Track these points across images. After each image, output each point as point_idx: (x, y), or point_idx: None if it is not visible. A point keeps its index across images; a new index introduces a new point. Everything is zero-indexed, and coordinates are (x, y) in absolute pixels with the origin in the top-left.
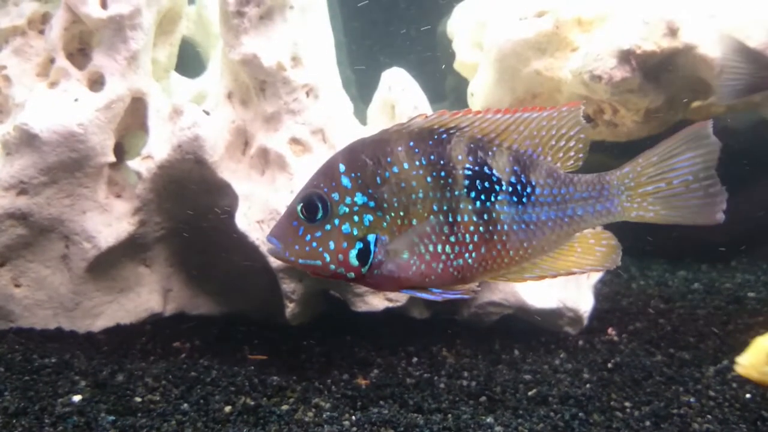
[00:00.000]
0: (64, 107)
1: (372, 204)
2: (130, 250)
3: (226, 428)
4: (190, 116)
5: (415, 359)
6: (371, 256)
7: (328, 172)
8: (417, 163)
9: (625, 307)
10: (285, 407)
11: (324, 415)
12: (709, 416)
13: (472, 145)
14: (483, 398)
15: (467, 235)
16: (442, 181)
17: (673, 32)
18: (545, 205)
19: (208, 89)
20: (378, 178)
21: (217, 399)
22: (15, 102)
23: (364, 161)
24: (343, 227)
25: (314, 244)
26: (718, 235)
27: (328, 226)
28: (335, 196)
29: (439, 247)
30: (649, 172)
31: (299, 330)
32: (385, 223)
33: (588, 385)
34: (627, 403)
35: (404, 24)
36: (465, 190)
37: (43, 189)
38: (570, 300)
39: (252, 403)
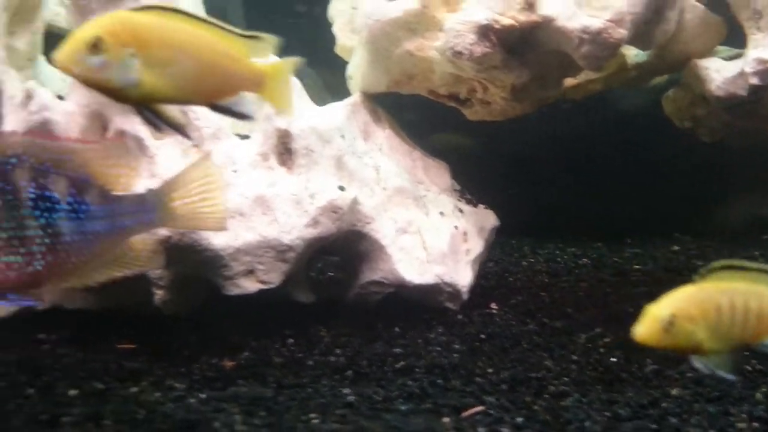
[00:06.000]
0: None
1: None
2: None
3: (67, 408)
4: (39, 100)
5: (291, 341)
6: None
7: None
8: None
9: (510, 282)
10: (134, 389)
11: (172, 395)
12: (565, 379)
13: (34, 174)
14: (349, 372)
15: (35, 247)
16: (9, 204)
17: (530, 6)
18: (100, 219)
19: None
20: None
21: (61, 385)
22: None
23: None
24: None
25: None
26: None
27: None
28: None
29: (11, 258)
30: (176, 190)
31: (175, 319)
32: None
33: (456, 355)
34: (489, 370)
35: (297, 14)
36: (30, 209)
37: None
38: (448, 275)
39: (101, 386)
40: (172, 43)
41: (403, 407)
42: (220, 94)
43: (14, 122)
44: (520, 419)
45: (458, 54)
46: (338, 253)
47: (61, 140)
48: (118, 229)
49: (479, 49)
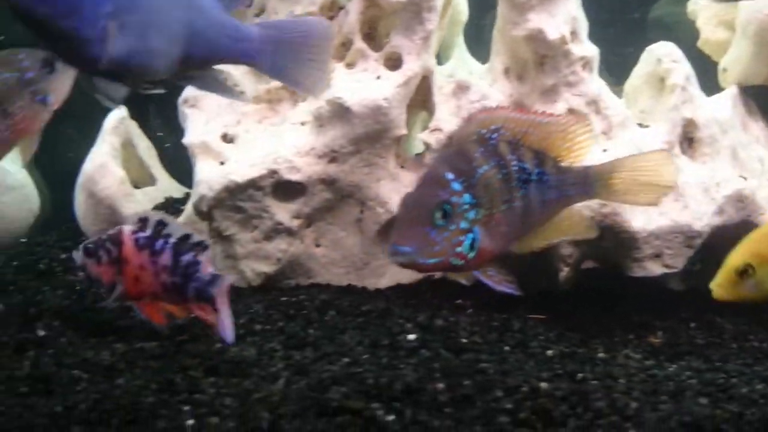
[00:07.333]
0: (369, 84)
1: (474, 201)
2: None
3: (552, 366)
4: (478, 90)
5: (692, 324)
6: (477, 244)
7: (440, 180)
8: (491, 164)
9: None
10: (601, 355)
11: (645, 363)
12: None
13: (510, 147)
14: None
15: (517, 215)
16: (505, 177)
17: None
18: (553, 188)
19: (455, 73)
20: (473, 180)
21: (533, 345)
22: None
23: (462, 168)
24: (461, 224)
25: (444, 243)
26: None
27: (453, 225)
28: (454, 199)
29: (504, 228)
30: (615, 170)
31: (567, 294)
32: (481, 215)
33: None
34: None
35: (612, 12)
36: (516, 181)
37: (349, 157)
38: None
39: (567, 350)
40: None
41: None
42: None
43: (446, 110)
44: None
45: None
46: (717, 244)
47: (528, 113)
48: (564, 197)
49: None
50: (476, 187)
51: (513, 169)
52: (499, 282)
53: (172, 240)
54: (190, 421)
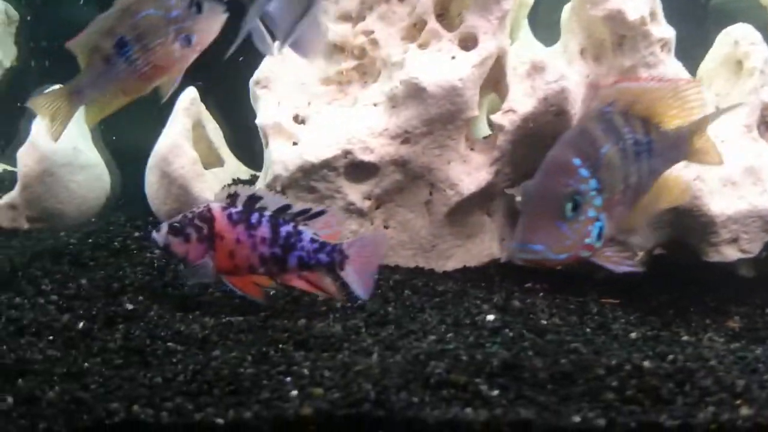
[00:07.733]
0: (443, 64)
1: (600, 186)
2: (481, 198)
3: (640, 347)
4: (555, 70)
5: (767, 310)
6: (603, 232)
7: (567, 168)
8: (612, 141)
9: None
10: (685, 338)
11: (731, 346)
12: None
13: (623, 119)
14: None
15: (632, 192)
16: (623, 153)
17: None
18: (659, 155)
19: (521, 55)
20: (598, 163)
21: (615, 327)
22: (390, 62)
23: (587, 152)
24: (589, 213)
25: (575, 235)
26: None
27: (582, 216)
28: (582, 187)
29: (621, 208)
30: (697, 128)
31: (639, 279)
32: (606, 200)
33: None
34: None
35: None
36: (631, 156)
37: (421, 139)
38: None
39: (650, 333)
40: None
41: None
42: None
43: (520, 91)
44: None
45: None
46: None
47: (637, 80)
48: (666, 163)
49: None
50: (601, 170)
51: (629, 144)
52: (619, 262)
53: (267, 212)
54: (294, 392)
